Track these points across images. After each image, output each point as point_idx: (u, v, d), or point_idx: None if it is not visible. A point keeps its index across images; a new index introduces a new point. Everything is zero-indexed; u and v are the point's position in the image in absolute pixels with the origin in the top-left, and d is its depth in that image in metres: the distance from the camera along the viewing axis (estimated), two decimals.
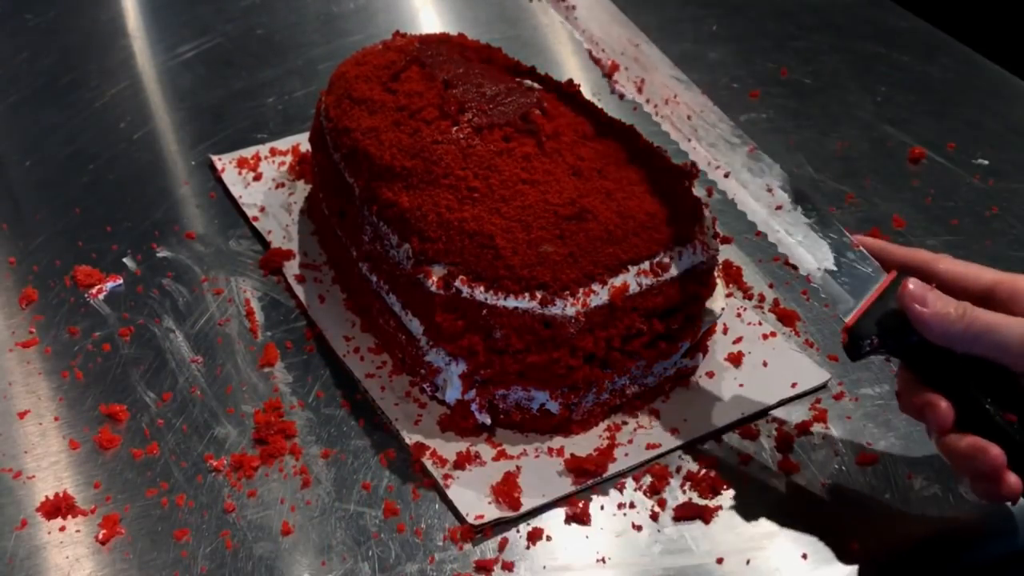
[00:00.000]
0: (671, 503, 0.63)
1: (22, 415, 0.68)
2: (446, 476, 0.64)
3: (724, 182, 0.65)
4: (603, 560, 0.60)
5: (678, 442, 0.66)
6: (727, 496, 0.63)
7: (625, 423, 0.68)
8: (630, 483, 0.64)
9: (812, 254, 0.62)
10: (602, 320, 0.63)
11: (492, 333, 0.63)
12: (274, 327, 0.74)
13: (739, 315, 0.74)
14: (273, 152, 0.89)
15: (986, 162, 0.90)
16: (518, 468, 0.64)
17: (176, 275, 0.78)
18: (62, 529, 0.61)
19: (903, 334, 0.57)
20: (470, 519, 0.61)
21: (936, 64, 1.03)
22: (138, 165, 0.89)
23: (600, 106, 0.75)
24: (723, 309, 0.71)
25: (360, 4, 1.12)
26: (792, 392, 0.69)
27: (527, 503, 0.62)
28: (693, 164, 0.67)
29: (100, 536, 0.60)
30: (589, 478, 0.64)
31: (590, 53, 0.70)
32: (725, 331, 0.73)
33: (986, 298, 0.57)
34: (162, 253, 0.80)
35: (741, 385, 0.70)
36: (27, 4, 1.10)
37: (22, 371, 0.71)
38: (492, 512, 0.62)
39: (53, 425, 0.67)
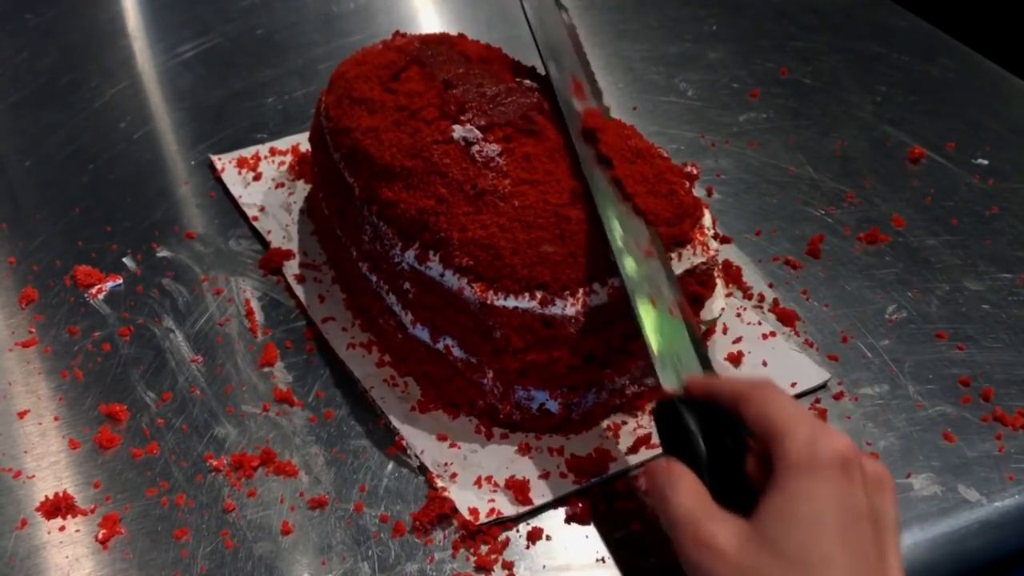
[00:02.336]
0: None
1: (22, 415, 0.68)
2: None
3: None
4: (603, 560, 0.60)
5: None
6: None
7: (625, 423, 0.68)
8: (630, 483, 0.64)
9: None
10: (602, 320, 0.63)
11: (492, 333, 0.63)
12: (274, 327, 0.74)
13: (739, 315, 0.74)
14: (273, 152, 0.89)
15: (986, 162, 0.91)
16: (518, 468, 0.64)
17: (176, 275, 0.78)
18: (62, 529, 0.61)
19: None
20: (470, 519, 0.61)
21: (936, 64, 1.03)
22: (138, 165, 0.89)
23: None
24: (723, 309, 0.71)
25: (360, 4, 1.12)
26: (792, 392, 0.69)
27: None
28: (693, 165, 0.67)
29: (100, 536, 0.60)
30: (589, 478, 0.64)
31: None
32: (725, 331, 0.73)
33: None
34: (162, 253, 0.80)
35: None
36: (27, 4, 1.10)
37: (22, 371, 0.71)
38: (492, 512, 0.62)
39: (53, 425, 0.67)
